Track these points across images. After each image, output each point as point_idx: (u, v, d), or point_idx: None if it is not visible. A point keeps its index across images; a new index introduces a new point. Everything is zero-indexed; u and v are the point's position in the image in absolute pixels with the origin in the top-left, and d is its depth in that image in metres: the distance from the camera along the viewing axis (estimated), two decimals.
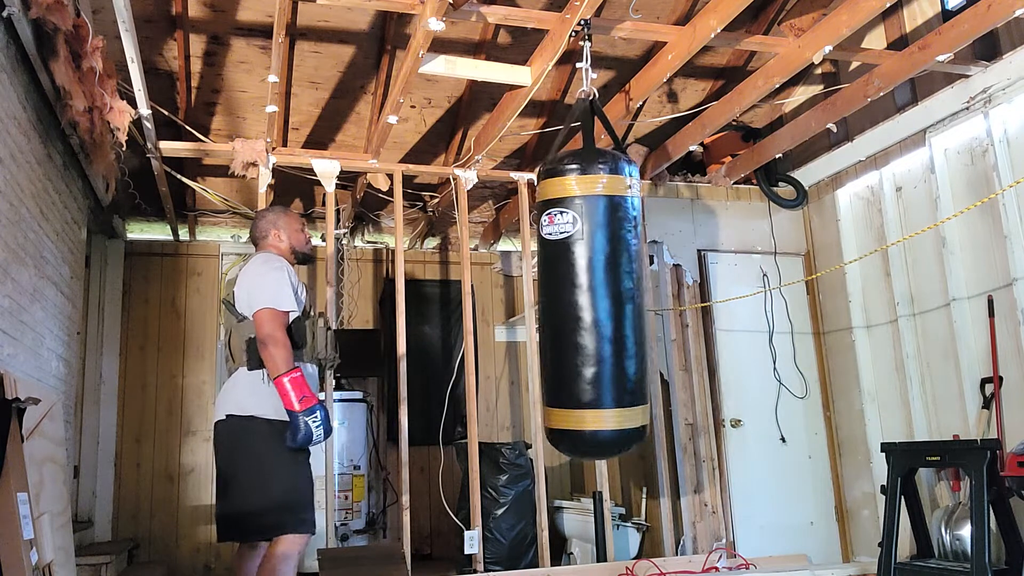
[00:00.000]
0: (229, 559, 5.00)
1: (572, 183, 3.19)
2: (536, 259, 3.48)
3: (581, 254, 3.12)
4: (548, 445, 5.09)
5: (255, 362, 2.86)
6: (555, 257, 3.21)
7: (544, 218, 3.25)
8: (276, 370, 2.74)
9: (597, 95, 3.47)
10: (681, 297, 4.99)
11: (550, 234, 3.22)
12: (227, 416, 2.88)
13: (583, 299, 3.11)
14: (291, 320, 2.91)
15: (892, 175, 4.61)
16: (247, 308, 2.89)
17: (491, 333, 5.95)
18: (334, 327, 3.20)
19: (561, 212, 3.18)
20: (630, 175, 3.25)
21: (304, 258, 3.24)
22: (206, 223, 5.43)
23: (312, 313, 3.08)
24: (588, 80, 3.45)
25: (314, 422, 2.75)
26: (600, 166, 3.19)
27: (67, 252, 3.88)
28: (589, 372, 3.08)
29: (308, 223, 5.20)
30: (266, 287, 2.88)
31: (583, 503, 4.80)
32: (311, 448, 2.89)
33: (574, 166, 3.21)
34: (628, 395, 3.11)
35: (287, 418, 2.77)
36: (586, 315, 3.10)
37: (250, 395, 2.86)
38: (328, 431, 2.84)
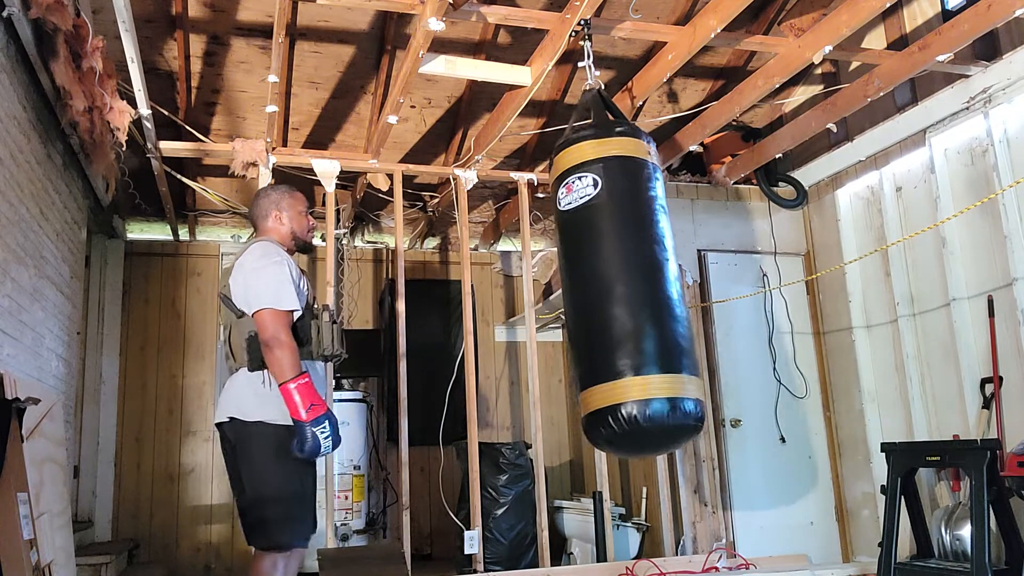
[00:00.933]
0: (229, 559, 5.00)
1: (590, 147, 3.01)
2: (556, 238, 3.25)
3: (606, 217, 2.90)
4: (548, 445, 5.10)
5: (257, 362, 2.69)
6: (577, 226, 2.97)
7: (561, 190, 3.06)
8: (282, 376, 2.58)
9: (604, 86, 3.45)
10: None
11: (569, 203, 3.01)
12: (230, 419, 2.73)
13: (615, 265, 2.85)
14: (295, 318, 2.73)
15: (892, 175, 4.61)
16: (245, 305, 2.71)
17: (491, 333, 5.95)
18: (339, 320, 3.05)
19: (579, 177, 2.99)
20: (648, 142, 3.12)
21: (304, 246, 3.02)
22: (206, 223, 5.43)
23: (316, 307, 2.89)
24: (592, 76, 3.45)
25: (322, 433, 2.59)
26: (617, 129, 3.04)
27: (67, 252, 3.88)
28: (630, 338, 2.73)
29: None
30: (266, 285, 2.69)
31: (583, 503, 4.80)
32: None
33: (589, 132, 3.05)
34: (680, 360, 2.74)
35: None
36: (619, 282, 2.82)
37: (254, 398, 2.70)
38: (337, 441, 2.66)
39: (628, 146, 3.03)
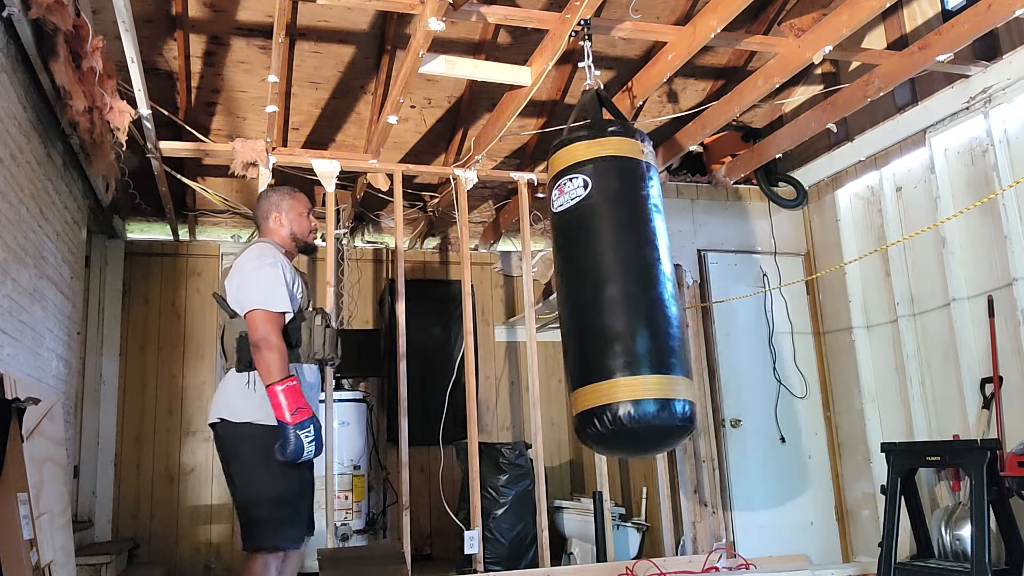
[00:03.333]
0: (229, 559, 5.00)
1: (582, 148, 3.02)
2: (551, 239, 3.27)
3: (597, 217, 2.90)
4: (548, 445, 5.10)
5: (245, 363, 2.71)
6: (569, 227, 3.00)
7: (554, 192, 3.09)
8: (269, 377, 2.59)
9: (603, 85, 3.45)
10: (681, 297, 4.99)
11: (561, 205, 3.02)
12: (221, 420, 2.75)
13: (607, 264, 2.86)
14: (286, 320, 2.75)
15: (892, 175, 4.61)
16: (238, 305, 2.74)
17: (491, 333, 5.95)
18: (335, 325, 3.05)
19: (571, 179, 3.01)
20: (643, 141, 3.11)
21: (306, 247, 3.03)
22: (206, 223, 5.43)
23: (310, 310, 2.91)
24: (592, 76, 3.45)
25: (306, 437, 2.58)
26: (610, 129, 3.05)
27: (67, 252, 3.88)
28: (621, 338, 2.74)
29: None
30: (258, 286, 2.71)
31: (583, 503, 4.80)
32: None
33: (582, 133, 3.07)
34: (672, 362, 2.72)
35: None
36: (613, 280, 2.83)
37: (240, 399, 2.71)
38: (320, 447, 2.66)
39: (621, 146, 3.02)
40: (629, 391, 2.65)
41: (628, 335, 2.74)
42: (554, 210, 3.12)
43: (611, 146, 3.02)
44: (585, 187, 2.96)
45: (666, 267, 3.00)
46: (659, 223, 3.06)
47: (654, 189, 3.09)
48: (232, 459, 2.76)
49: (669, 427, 2.73)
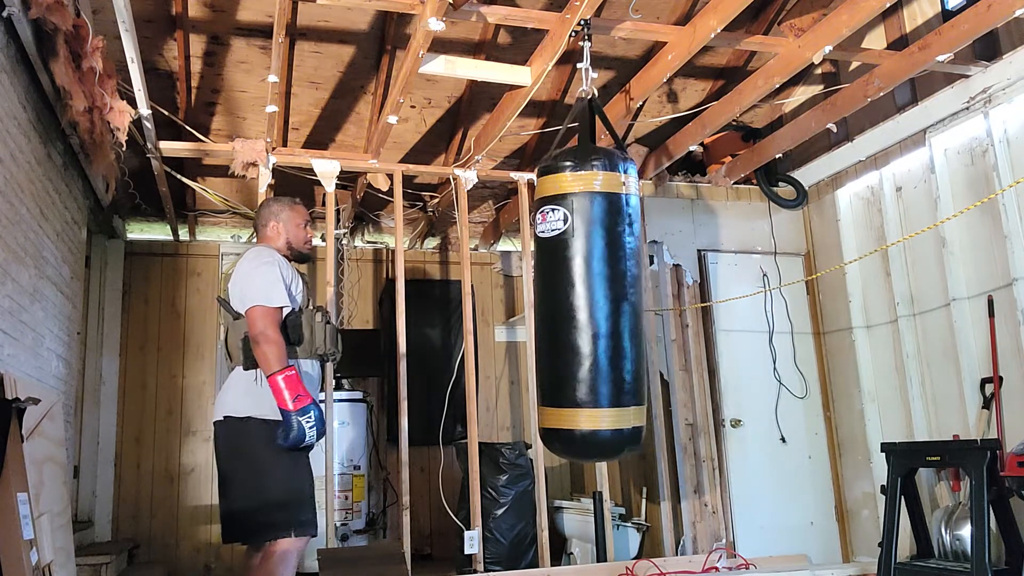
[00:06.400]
0: (229, 559, 5.00)
1: (565, 180, 3.14)
2: (534, 256, 3.45)
3: (574, 251, 3.07)
4: None
5: (250, 361, 2.82)
6: (548, 255, 3.17)
7: (537, 216, 3.22)
8: (269, 368, 2.71)
9: (596, 95, 3.45)
10: (681, 297, 4.99)
11: (543, 232, 3.18)
12: (225, 417, 2.86)
13: (576, 297, 3.05)
14: (285, 316, 2.87)
15: (892, 175, 4.61)
16: (240, 305, 2.86)
17: (491, 333, 5.95)
18: (335, 322, 3.13)
19: (553, 209, 3.14)
20: (625, 172, 3.19)
21: (300, 256, 3.16)
22: (206, 223, 5.43)
23: (310, 307, 3.01)
24: (588, 80, 3.44)
25: (307, 422, 2.70)
26: (594, 163, 3.14)
27: (67, 252, 3.88)
28: (584, 371, 3.02)
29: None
30: (257, 284, 2.84)
31: (583, 503, 4.80)
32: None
33: (568, 163, 3.16)
34: (625, 395, 3.05)
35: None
36: (580, 313, 3.05)
37: (246, 396, 2.83)
38: (321, 432, 2.79)
39: (602, 181, 3.13)
40: (588, 422, 3.02)
41: (590, 372, 3.03)
42: (536, 233, 3.26)
43: (594, 181, 3.13)
44: (565, 221, 3.11)
45: (635, 298, 3.16)
46: (632, 255, 3.20)
47: (632, 221, 3.22)
48: (240, 455, 2.82)
49: (620, 446, 3.13)
